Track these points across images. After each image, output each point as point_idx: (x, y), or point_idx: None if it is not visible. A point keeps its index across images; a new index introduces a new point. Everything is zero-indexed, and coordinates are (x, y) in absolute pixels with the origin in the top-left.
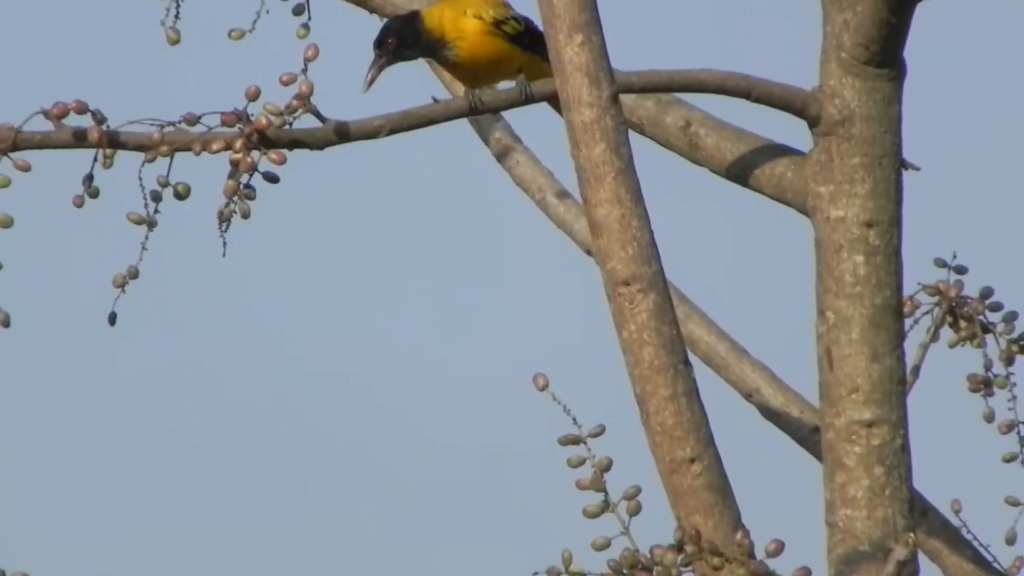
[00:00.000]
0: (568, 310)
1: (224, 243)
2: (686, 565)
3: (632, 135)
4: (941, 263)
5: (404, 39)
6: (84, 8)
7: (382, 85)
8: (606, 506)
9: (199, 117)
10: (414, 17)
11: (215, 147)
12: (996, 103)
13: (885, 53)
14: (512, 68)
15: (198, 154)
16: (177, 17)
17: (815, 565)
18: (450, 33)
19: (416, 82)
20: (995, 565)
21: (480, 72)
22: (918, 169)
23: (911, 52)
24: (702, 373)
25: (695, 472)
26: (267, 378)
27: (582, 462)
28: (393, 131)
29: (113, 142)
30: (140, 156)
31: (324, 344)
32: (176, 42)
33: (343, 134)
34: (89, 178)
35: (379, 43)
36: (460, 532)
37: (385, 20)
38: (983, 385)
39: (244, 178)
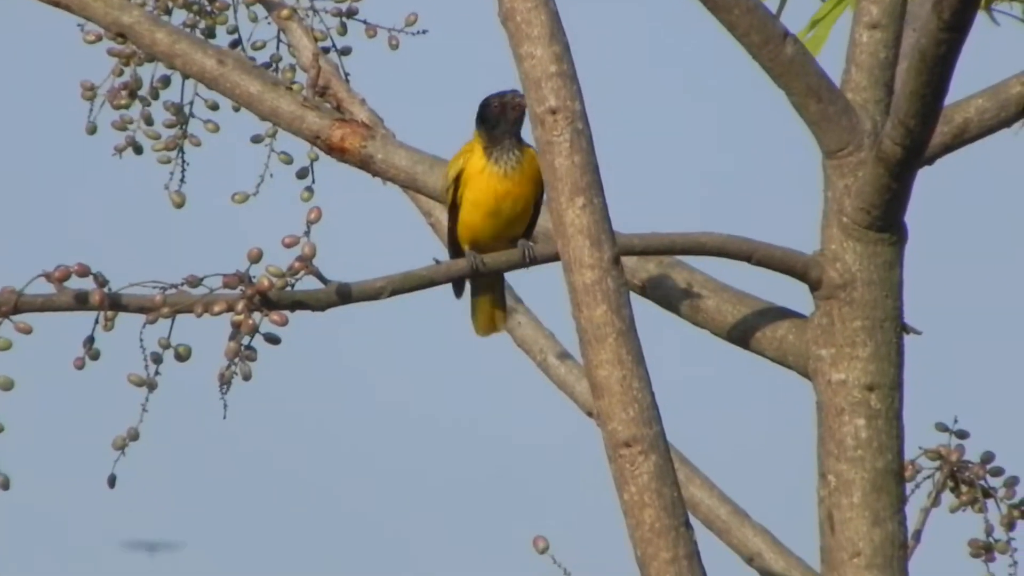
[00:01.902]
0: (569, 471)
1: (225, 405)
2: None
3: (634, 297)
4: (942, 427)
5: None
6: (88, 172)
7: (383, 245)
8: None
9: (201, 279)
10: None
11: (217, 309)
12: (997, 268)
13: (886, 218)
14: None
15: (199, 316)
16: (182, 181)
17: None
18: None
19: (417, 243)
20: None
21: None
22: (919, 333)
23: (912, 217)
24: (703, 536)
25: None
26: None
27: None
28: (395, 292)
29: (115, 304)
30: (141, 317)
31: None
32: (180, 205)
33: (345, 295)
34: (90, 340)
35: None
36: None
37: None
38: (984, 550)
39: (245, 340)
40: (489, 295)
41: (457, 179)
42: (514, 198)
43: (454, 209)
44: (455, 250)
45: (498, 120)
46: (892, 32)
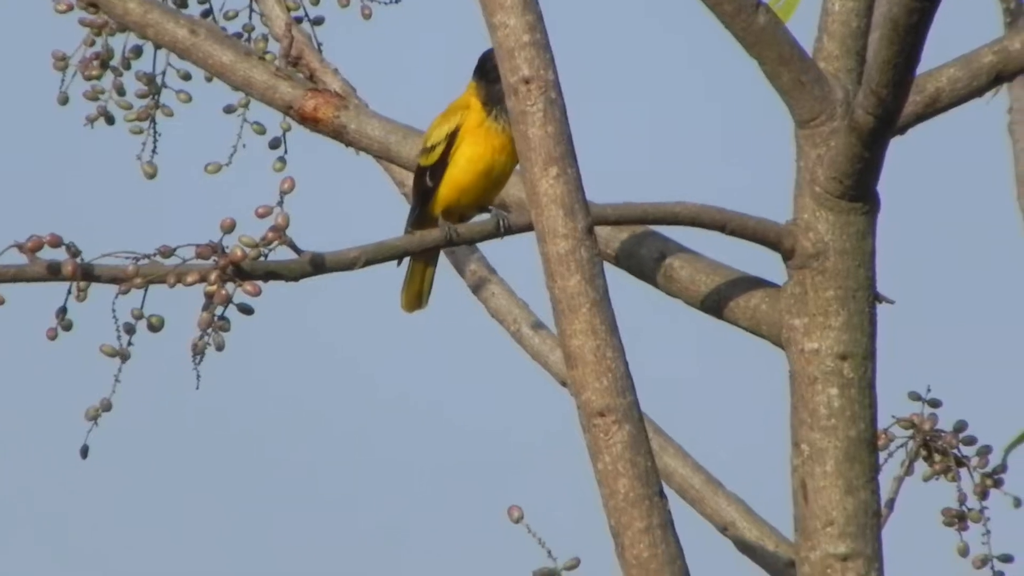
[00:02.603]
0: (543, 441)
1: (198, 375)
2: None
3: (607, 266)
4: (915, 396)
5: None
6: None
7: (357, 216)
8: None
9: (174, 249)
10: None
11: (190, 280)
12: (969, 238)
13: (859, 187)
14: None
15: (172, 286)
16: (154, 152)
17: None
18: None
19: (391, 213)
20: None
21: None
22: (892, 302)
23: (884, 187)
24: (677, 506)
25: None
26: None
27: None
28: (369, 262)
29: (87, 275)
30: (114, 288)
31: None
32: (153, 176)
33: (319, 266)
34: (63, 310)
35: None
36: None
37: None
38: (957, 519)
39: (218, 310)
40: (422, 273)
41: (453, 135)
42: (508, 155)
43: (438, 168)
44: (421, 216)
45: (500, 75)
46: (864, 1)
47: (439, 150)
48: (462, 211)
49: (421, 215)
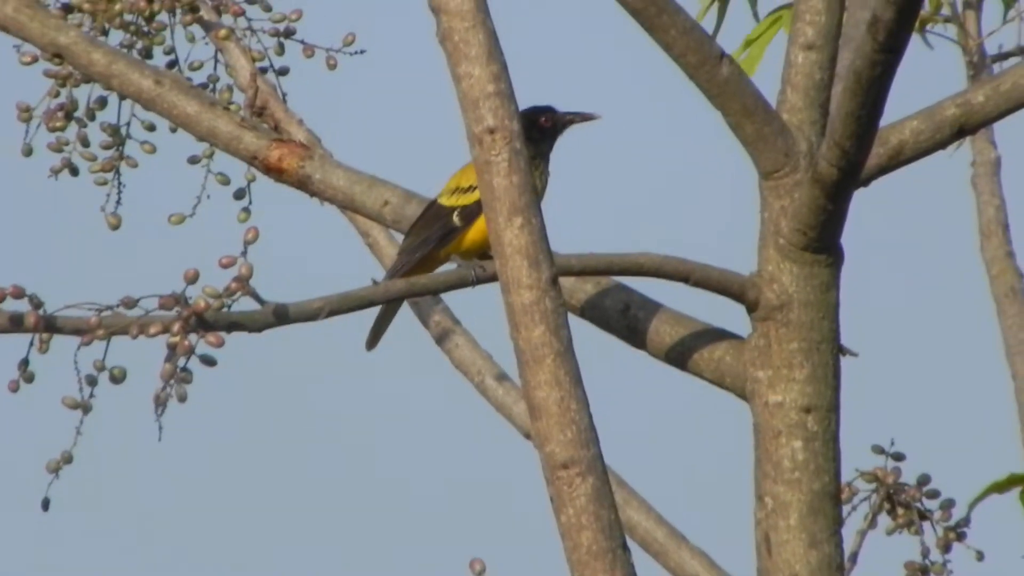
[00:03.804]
0: (506, 493)
1: (160, 427)
2: None
3: (571, 317)
4: (879, 450)
5: None
6: (23, 193)
7: (322, 266)
8: None
9: (137, 300)
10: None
11: (152, 331)
12: (933, 291)
13: (822, 239)
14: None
15: (135, 338)
16: (118, 203)
17: None
18: None
19: (355, 264)
20: None
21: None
22: (856, 355)
23: (848, 238)
24: (641, 559)
25: None
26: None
27: None
28: (332, 313)
29: (50, 326)
30: (77, 339)
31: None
32: (117, 227)
33: (282, 316)
34: (25, 362)
35: None
36: None
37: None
38: (920, 572)
39: (181, 361)
40: (390, 316)
41: None
42: None
43: (473, 209)
44: (427, 258)
45: (544, 134)
46: (827, 53)
47: (478, 192)
48: (483, 254)
49: (428, 257)
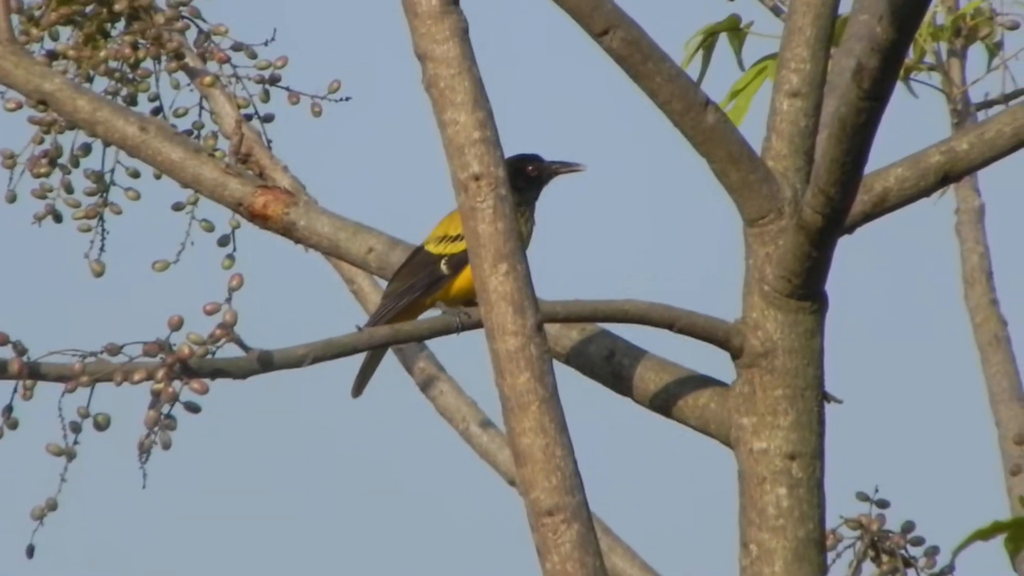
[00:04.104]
0: (492, 540)
1: (144, 474)
2: None
3: (557, 364)
4: (863, 497)
5: None
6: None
7: (305, 312)
8: None
9: (121, 347)
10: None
11: (137, 377)
12: (918, 338)
13: (807, 286)
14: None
15: (119, 384)
16: (102, 249)
17: None
18: None
19: (340, 310)
20: None
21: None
22: (840, 402)
23: (832, 285)
24: None
25: None
26: None
27: None
28: (317, 360)
29: (34, 373)
30: (61, 386)
31: None
32: (100, 274)
33: (267, 363)
34: (8, 409)
35: None
36: None
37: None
38: None
39: (165, 408)
40: (375, 363)
41: None
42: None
43: (461, 258)
44: (412, 305)
45: (530, 183)
46: (812, 100)
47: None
48: (468, 301)
49: (413, 303)
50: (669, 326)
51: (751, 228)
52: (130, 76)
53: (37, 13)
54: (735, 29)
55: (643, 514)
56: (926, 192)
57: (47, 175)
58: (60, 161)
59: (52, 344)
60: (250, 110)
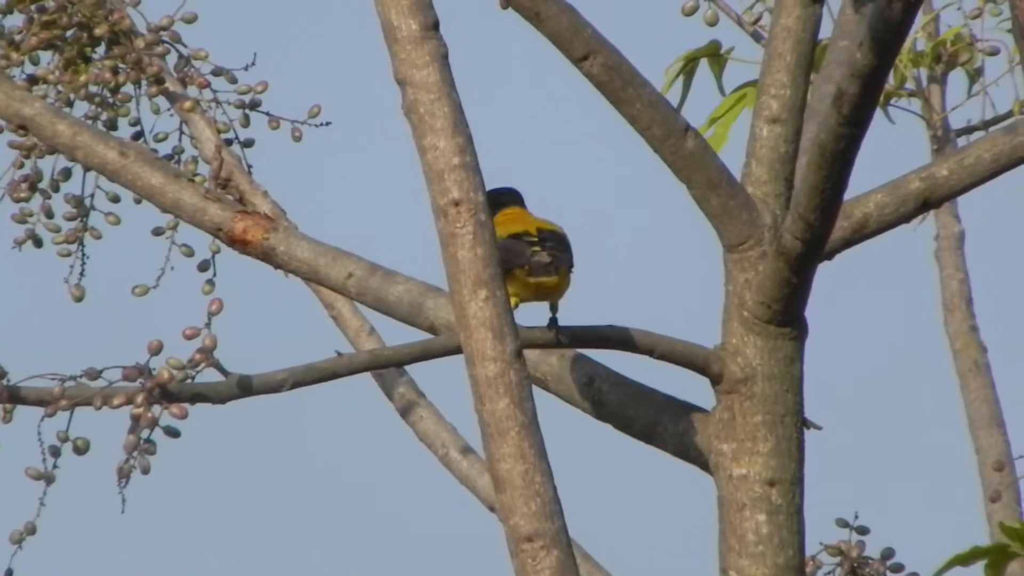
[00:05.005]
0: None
1: (123, 499)
2: None
3: (536, 390)
4: (843, 523)
5: None
6: None
7: (284, 337)
8: None
9: (100, 372)
10: None
11: (116, 402)
12: (897, 364)
13: (787, 312)
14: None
15: (99, 409)
16: (82, 274)
17: None
18: None
19: (319, 336)
20: None
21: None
22: (820, 428)
23: (812, 312)
24: None
25: None
26: None
27: None
28: (296, 385)
29: (13, 397)
30: (40, 410)
31: None
32: (80, 299)
33: (246, 388)
34: None
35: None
36: None
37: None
38: None
39: (145, 433)
40: None
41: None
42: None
43: None
44: None
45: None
46: (792, 127)
47: None
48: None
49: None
50: (649, 352)
51: (731, 254)
52: (110, 101)
53: (18, 37)
54: (716, 55)
55: (623, 540)
56: (906, 218)
57: (27, 200)
58: (40, 186)
59: (32, 368)
60: (230, 135)
